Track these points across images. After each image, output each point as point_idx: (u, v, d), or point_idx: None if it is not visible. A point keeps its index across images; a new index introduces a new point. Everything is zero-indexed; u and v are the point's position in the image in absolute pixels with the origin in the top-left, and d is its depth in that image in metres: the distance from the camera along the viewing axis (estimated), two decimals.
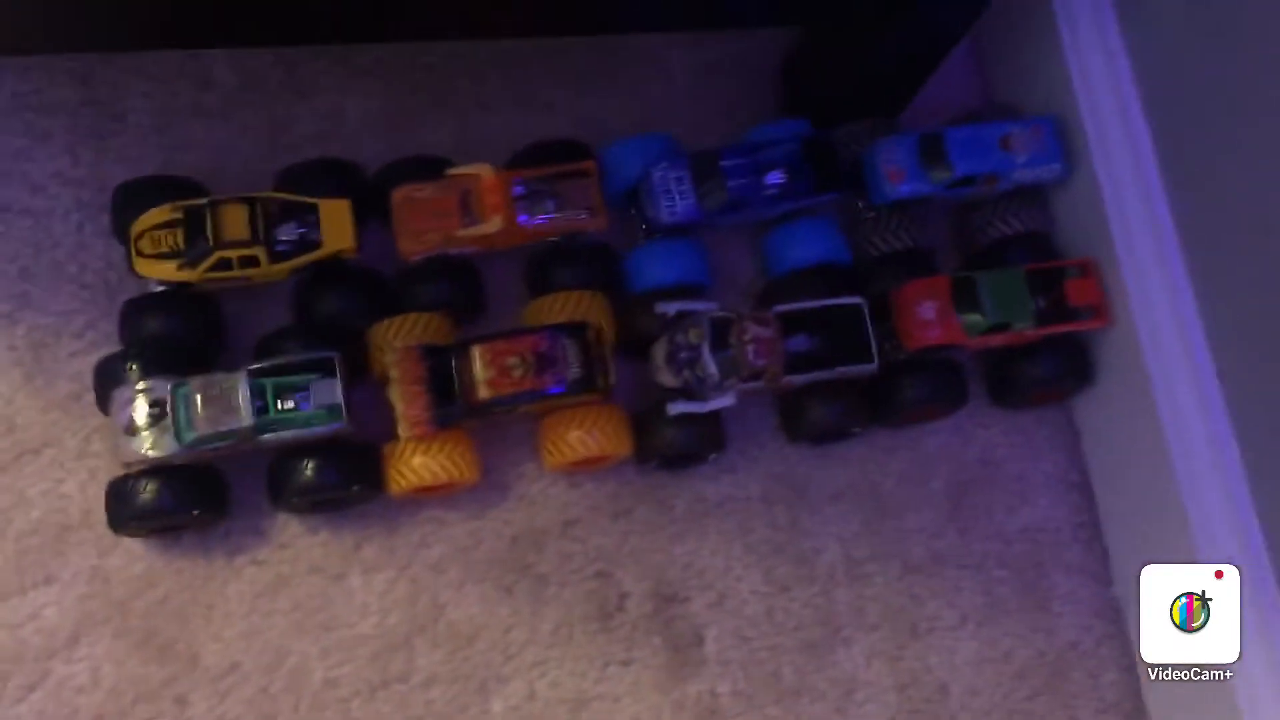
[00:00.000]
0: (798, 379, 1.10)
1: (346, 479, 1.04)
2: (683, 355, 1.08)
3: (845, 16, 1.13)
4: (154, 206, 1.04)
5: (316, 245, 1.05)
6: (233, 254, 1.02)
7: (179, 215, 1.02)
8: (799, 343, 1.10)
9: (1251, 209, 1.03)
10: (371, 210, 1.12)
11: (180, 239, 1.02)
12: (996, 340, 1.15)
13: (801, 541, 1.16)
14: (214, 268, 1.02)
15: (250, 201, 1.03)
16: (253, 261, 1.03)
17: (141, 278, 1.05)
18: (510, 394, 1.04)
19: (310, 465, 1.02)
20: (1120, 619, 1.18)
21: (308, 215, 1.05)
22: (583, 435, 1.08)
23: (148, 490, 1.00)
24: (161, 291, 1.05)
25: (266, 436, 1.00)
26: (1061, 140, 1.17)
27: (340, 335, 1.07)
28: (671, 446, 1.11)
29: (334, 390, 1.01)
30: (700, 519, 1.16)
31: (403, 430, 1.04)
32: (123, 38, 1.13)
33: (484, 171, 1.08)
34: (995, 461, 1.21)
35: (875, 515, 1.18)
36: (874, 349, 1.11)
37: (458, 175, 1.09)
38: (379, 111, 1.20)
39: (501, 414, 1.07)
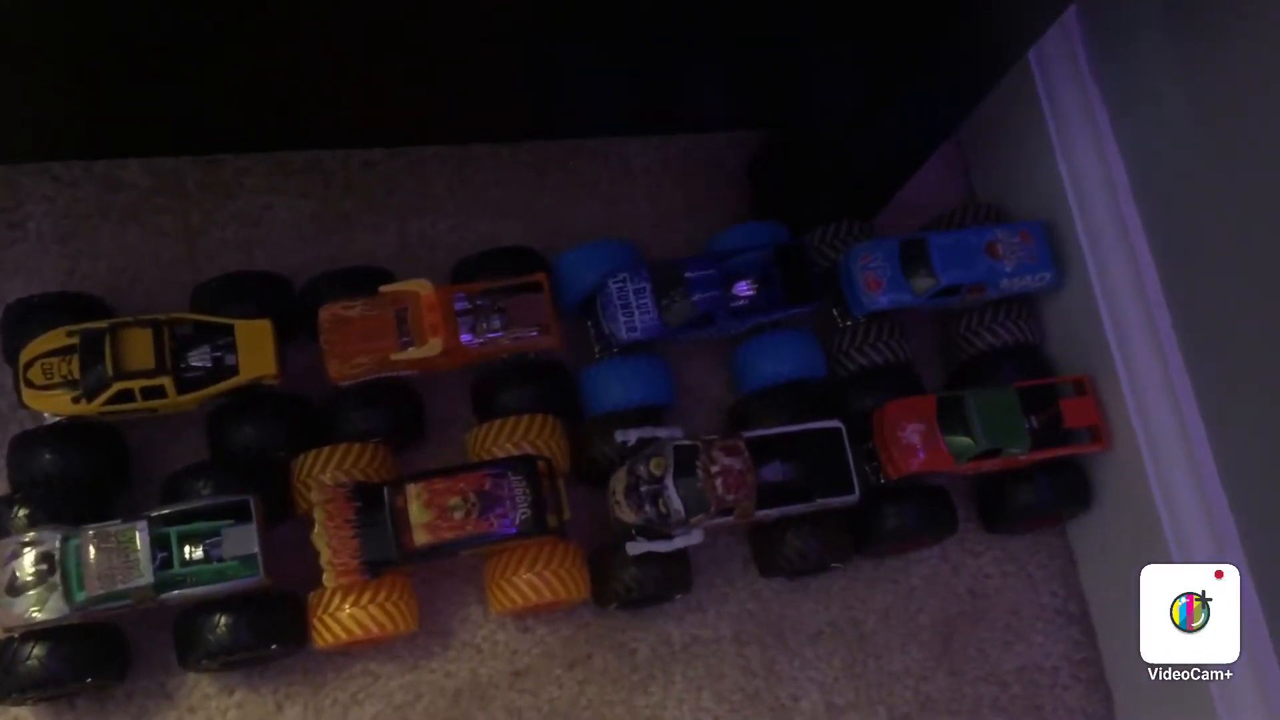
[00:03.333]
0: (770, 513, 1.00)
1: (263, 637, 0.92)
2: (644, 488, 0.97)
3: (820, 120, 1.04)
4: (49, 328, 0.92)
5: (232, 371, 0.93)
6: (135, 384, 0.90)
7: (74, 341, 0.91)
8: (773, 471, 1.00)
9: (1260, 317, 0.95)
10: (299, 326, 1.01)
11: (75, 367, 0.90)
12: (987, 466, 1.05)
13: (778, 688, 1.05)
14: (114, 400, 0.91)
15: (156, 325, 0.92)
16: (158, 392, 0.91)
17: (33, 410, 0.92)
18: (451, 539, 0.92)
19: (222, 622, 0.90)
20: None
21: (223, 338, 0.94)
22: (533, 579, 0.97)
23: (34, 656, 0.87)
24: (55, 425, 0.93)
25: (171, 594, 0.88)
26: (1052, 246, 1.08)
27: (259, 470, 0.95)
28: (632, 589, 1.00)
29: (249, 539, 0.89)
30: (665, 665, 1.04)
31: (328, 579, 0.92)
32: (19, 149, 1.03)
33: (423, 288, 0.98)
34: (986, 594, 1.11)
35: (858, 656, 1.07)
36: (854, 478, 1.01)
37: (393, 292, 0.98)
38: (310, 215, 1.09)
39: (442, 559, 0.95)
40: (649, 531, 0.98)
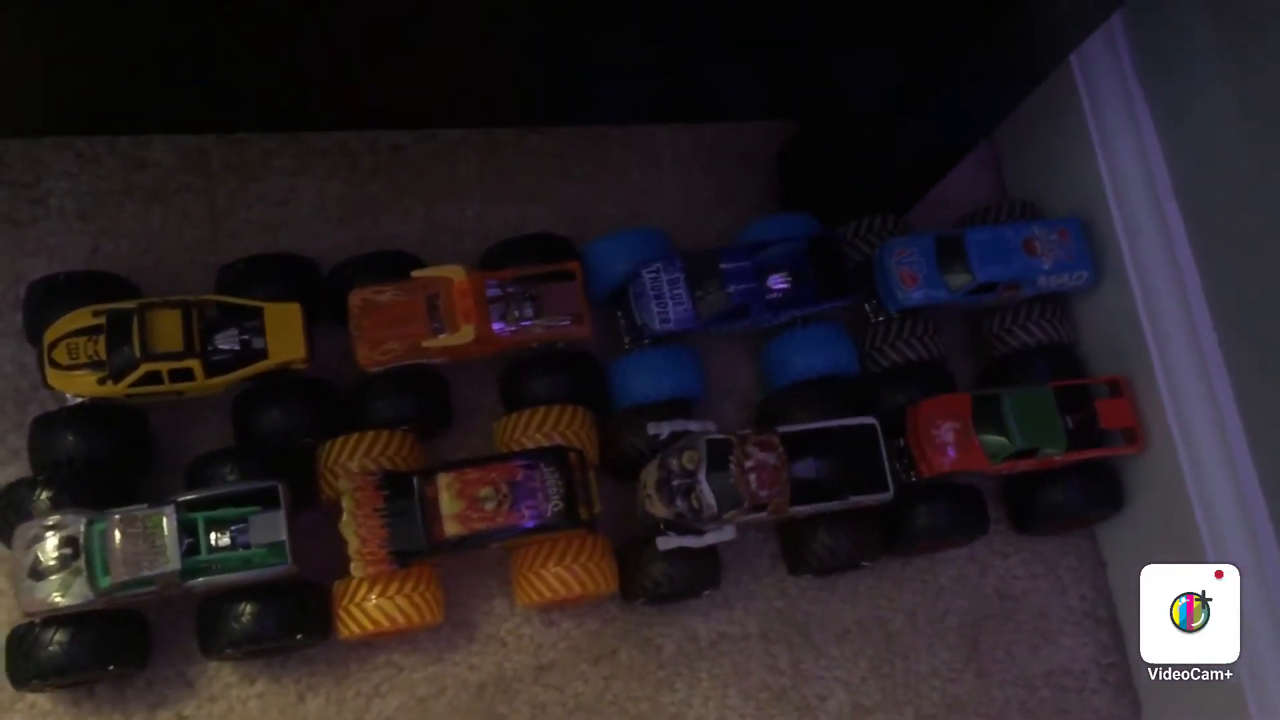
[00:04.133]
0: (804, 509, 0.98)
1: (288, 627, 0.90)
2: (676, 483, 0.95)
3: (859, 112, 1.02)
4: (72, 308, 0.90)
5: (261, 355, 0.92)
6: (163, 366, 0.88)
7: (101, 320, 0.89)
8: (805, 468, 0.98)
9: None
10: (325, 310, 0.99)
11: (101, 348, 0.88)
12: (1021, 467, 1.03)
13: (804, 687, 1.04)
14: (140, 382, 0.89)
15: (185, 306, 0.90)
16: (186, 375, 0.89)
17: (56, 391, 0.90)
18: (481, 530, 0.91)
19: (247, 611, 0.88)
20: None
21: (251, 321, 0.92)
22: (561, 571, 0.95)
23: (55, 642, 0.85)
24: (78, 406, 0.91)
25: (197, 581, 0.86)
26: (1090, 244, 1.07)
27: (285, 457, 0.93)
28: (661, 584, 0.98)
29: (277, 525, 0.88)
30: (691, 661, 1.03)
31: (356, 569, 0.90)
32: (40, 122, 1.00)
33: (455, 274, 0.96)
34: (1015, 595, 1.10)
35: (885, 656, 1.06)
36: (889, 476, 0.99)
37: (425, 278, 0.96)
38: (337, 198, 1.07)
39: (470, 550, 0.94)
40: (680, 526, 0.97)
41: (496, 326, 0.97)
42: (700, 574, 0.99)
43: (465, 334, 0.95)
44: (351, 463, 0.93)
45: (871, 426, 1.00)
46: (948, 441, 1.01)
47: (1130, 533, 1.09)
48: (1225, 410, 0.99)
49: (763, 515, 0.97)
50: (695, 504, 0.94)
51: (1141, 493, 1.07)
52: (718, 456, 0.95)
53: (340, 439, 0.94)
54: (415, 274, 0.96)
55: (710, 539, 0.96)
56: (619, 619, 1.02)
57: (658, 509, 0.96)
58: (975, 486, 1.05)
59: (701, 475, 0.94)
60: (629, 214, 1.11)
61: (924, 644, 1.07)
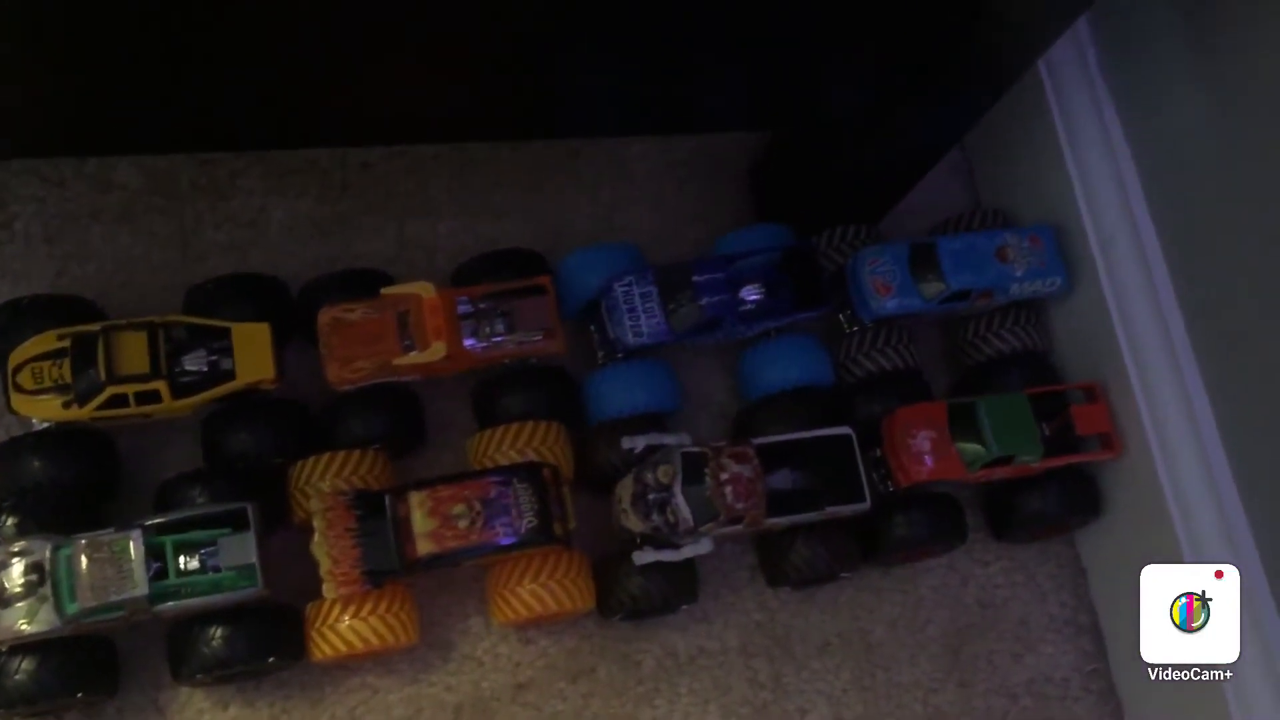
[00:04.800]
0: (781, 521, 0.97)
1: (260, 650, 0.89)
2: (651, 497, 0.95)
3: (830, 122, 1.02)
4: (37, 332, 0.89)
5: (229, 376, 0.91)
6: (129, 389, 0.87)
7: (65, 344, 0.88)
8: (781, 479, 0.98)
9: (1276, 320, 0.93)
10: (295, 330, 0.98)
11: (67, 371, 0.87)
12: (998, 474, 1.03)
13: (785, 701, 1.03)
14: (106, 405, 0.88)
15: (150, 327, 0.89)
16: (153, 397, 0.88)
17: (21, 416, 0.89)
18: (455, 548, 0.90)
19: (218, 634, 0.87)
20: None
21: (219, 341, 0.91)
22: (538, 589, 0.94)
23: (22, 670, 0.84)
24: (44, 431, 0.90)
25: (166, 606, 0.85)
26: (1062, 251, 1.07)
27: (256, 478, 0.92)
28: (639, 599, 0.97)
29: (247, 548, 0.87)
30: (671, 677, 1.02)
31: (328, 590, 0.89)
32: (4, 145, 1.00)
33: (425, 291, 0.95)
34: (995, 604, 1.09)
35: (866, 668, 1.05)
36: (866, 486, 0.99)
37: (395, 295, 0.96)
38: (307, 216, 1.06)
39: (444, 569, 0.93)
40: (656, 540, 0.96)
41: (468, 343, 0.96)
42: (678, 588, 0.99)
43: (436, 351, 0.94)
44: (323, 483, 0.93)
45: (847, 437, 1.00)
46: (924, 450, 1.01)
47: (1109, 538, 1.08)
48: (1200, 413, 0.99)
49: (739, 528, 0.96)
50: (671, 518, 0.94)
51: (1119, 498, 1.06)
52: (693, 469, 0.94)
53: (311, 459, 0.93)
54: (385, 291, 0.95)
55: (687, 552, 0.96)
56: (596, 635, 1.01)
57: (633, 523, 0.96)
58: (952, 495, 1.05)
59: (677, 488, 0.93)
60: (602, 229, 1.11)
61: (905, 655, 1.06)
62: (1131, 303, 1.03)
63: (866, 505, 0.99)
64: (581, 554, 0.98)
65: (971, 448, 1.01)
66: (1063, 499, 1.06)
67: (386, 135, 1.09)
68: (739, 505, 0.94)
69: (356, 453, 0.94)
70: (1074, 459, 1.04)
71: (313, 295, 0.98)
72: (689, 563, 0.98)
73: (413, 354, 0.94)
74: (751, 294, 1.02)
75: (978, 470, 1.01)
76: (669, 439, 0.97)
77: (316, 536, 0.89)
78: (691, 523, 0.93)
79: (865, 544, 1.03)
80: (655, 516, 0.94)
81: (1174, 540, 0.99)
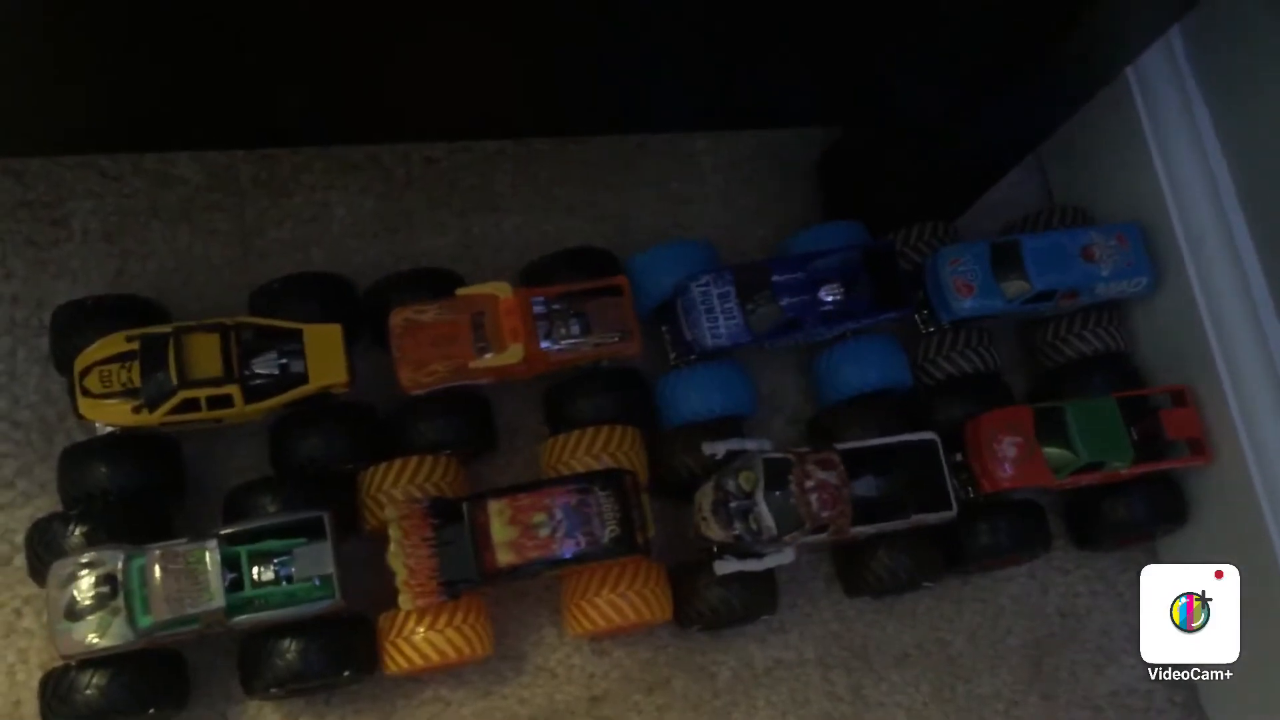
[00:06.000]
0: (866, 530, 0.94)
1: (336, 663, 0.86)
2: (733, 504, 0.92)
3: (913, 119, 0.99)
4: (101, 333, 0.86)
5: (301, 379, 0.88)
6: (201, 394, 0.84)
7: (134, 346, 0.85)
8: (865, 486, 0.95)
9: None
10: (363, 330, 0.95)
11: (135, 375, 0.84)
12: (1085, 480, 1.00)
13: (866, 714, 1.00)
14: (177, 409, 0.85)
15: (223, 329, 0.86)
16: (225, 401, 0.85)
17: (87, 421, 0.86)
18: (535, 558, 0.87)
19: (292, 648, 0.84)
20: None
21: (289, 344, 0.88)
22: (616, 599, 0.91)
23: (92, 685, 0.81)
24: (109, 436, 0.87)
25: (241, 618, 0.82)
26: (1149, 250, 1.03)
27: (327, 483, 0.89)
28: (719, 610, 0.94)
29: (324, 557, 0.84)
30: (748, 689, 0.99)
31: (405, 601, 0.86)
32: (61, 140, 0.97)
33: (501, 291, 0.92)
34: (1076, 613, 1.06)
35: (947, 680, 1.02)
36: (952, 493, 0.95)
37: (469, 295, 0.93)
38: (370, 213, 1.03)
39: (522, 580, 0.90)
40: (737, 549, 0.93)
41: (544, 345, 0.93)
42: (758, 599, 0.96)
43: (514, 353, 0.91)
44: (395, 490, 0.89)
45: (932, 442, 0.97)
46: (1010, 456, 0.98)
47: (1194, 546, 1.05)
48: None
49: (823, 537, 0.93)
50: (754, 526, 0.91)
51: (1206, 505, 1.03)
52: (776, 476, 0.91)
53: (383, 465, 0.90)
54: (460, 292, 0.92)
55: (769, 562, 0.93)
56: (672, 646, 0.99)
57: (714, 532, 0.92)
58: (1036, 502, 1.02)
59: (760, 496, 0.90)
60: (669, 225, 1.08)
61: (986, 666, 1.03)
62: (1223, 303, 1.00)
63: (954, 514, 0.96)
64: (658, 564, 0.95)
65: (1058, 453, 0.98)
66: (1149, 506, 1.03)
67: (450, 131, 1.06)
68: (824, 514, 0.91)
69: (430, 458, 0.91)
70: (1164, 465, 1.01)
71: (380, 295, 0.95)
72: (769, 573, 0.95)
73: (489, 356, 0.91)
74: (831, 294, 0.99)
75: (1065, 477, 0.98)
76: (750, 444, 0.94)
77: (392, 546, 0.87)
78: (775, 531, 0.90)
79: (947, 552, 1.00)
80: (737, 525, 0.91)
81: (1269, 547, 0.96)
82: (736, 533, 0.91)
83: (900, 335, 1.05)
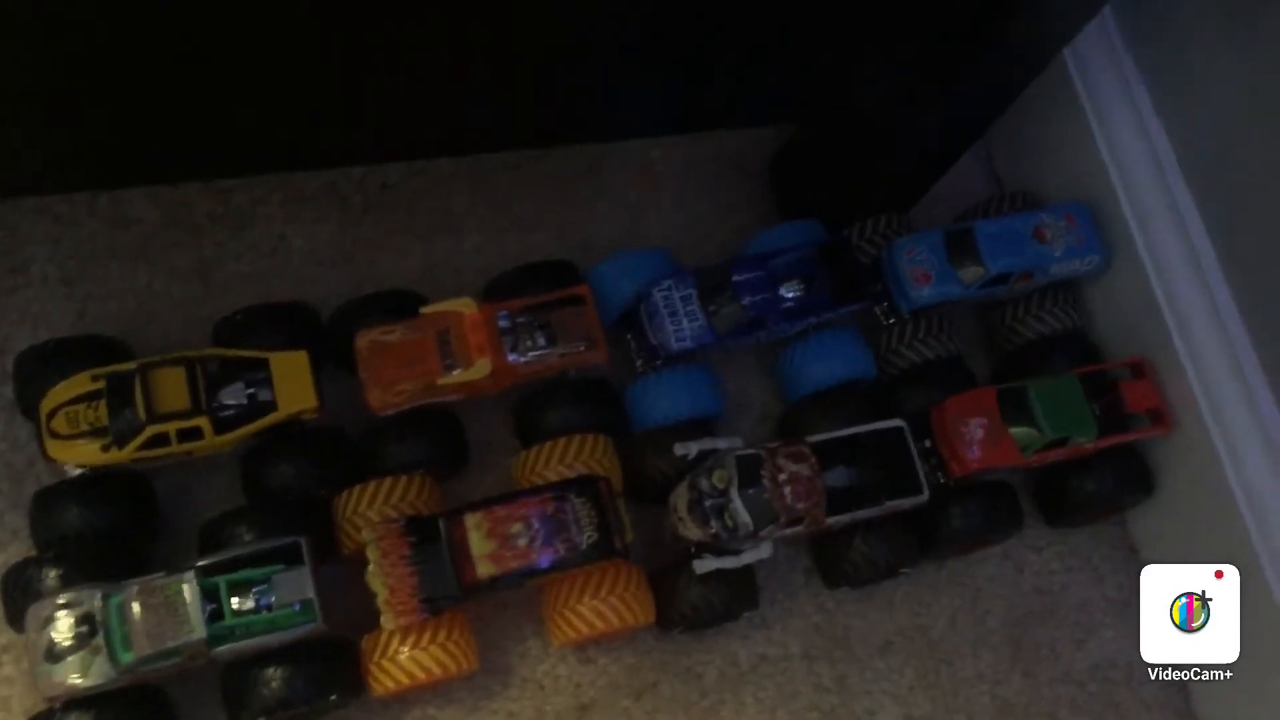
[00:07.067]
0: (841, 519, 0.95)
1: (322, 688, 0.86)
2: (708, 503, 0.92)
3: (864, 113, 1.00)
4: (65, 375, 0.86)
5: (270, 408, 0.88)
6: (170, 427, 0.84)
7: (100, 385, 0.85)
8: (837, 476, 0.96)
9: None
10: (329, 356, 0.95)
11: (103, 413, 0.84)
12: (1052, 457, 1.01)
13: (853, 703, 1.01)
14: (147, 445, 0.85)
15: (188, 362, 0.86)
16: (195, 434, 0.85)
17: (57, 463, 0.86)
18: (516, 569, 0.87)
19: (276, 675, 0.84)
20: None
21: (256, 373, 0.88)
22: (599, 605, 0.92)
23: None
24: (79, 477, 0.86)
25: (223, 649, 0.82)
26: (1098, 228, 1.05)
27: (301, 509, 0.89)
28: (701, 609, 0.95)
29: (303, 582, 0.84)
30: (735, 687, 0.99)
31: (387, 621, 0.86)
32: (12, 183, 0.97)
33: (466, 307, 0.93)
34: (1053, 590, 1.08)
35: (930, 664, 1.03)
36: (922, 477, 0.97)
37: (434, 313, 0.93)
38: (329, 241, 1.04)
39: (503, 591, 0.90)
40: (715, 548, 0.94)
41: (511, 358, 0.94)
42: (738, 596, 0.96)
43: (481, 368, 0.92)
44: (371, 512, 0.90)
45: (900, 429, 0.98)
46: (976, 439, 0.99)
47: (1160, 516, 1.07)
48: (1253, 381, 0.98)
49: (799, 529, 0.94)
50: (730, 523, 0.92)
51: (1173, 475, 1.05)
52: (749, 472, 0.92)
53: (357, 488, 0.91)
54: (425, 310, 0.93)
55: (748, 558, 0.93)
56: (656, 650, 0.99)
57: (691, 531, 0.93)
58: (1006, 482, 1.03)
59: (734, 493, 0.91)
60: (628, 234, 1.09)
61: (968, 648, 1.04)
62: (1174, 275, 1.01)
63: (925, 497, 0.97)
64: (638, 568, 0.95)
65: (1024, 432, 1.00)
66: (1116, 479, 1.04)
67: (403, 151, 1.06)
68: (799, 505, 0.92)
69: (404, 478, 0.91)
70: (1128, 437, 1.02)
71: (344, 319, 0.95)
72: (748, 569, 0.96)
73: (456, 373, 0.92)
74: (791, 291, 1.00)
75: (1032, 455, 1.00)
76: (722, 443, 0.95)
77: (371, 567, 0.87)
78: (751, 527, 0.91)
79: (921, 538, 1.01)
80: (713, 523, 0.92)
81: (1234, 511, 0.97)
82: (713, 531, 0.92)
83: (863, 328, 1.06)
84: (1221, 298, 0.99)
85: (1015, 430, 1.00)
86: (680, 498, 0.94)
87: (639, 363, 1.02)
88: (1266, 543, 0.96)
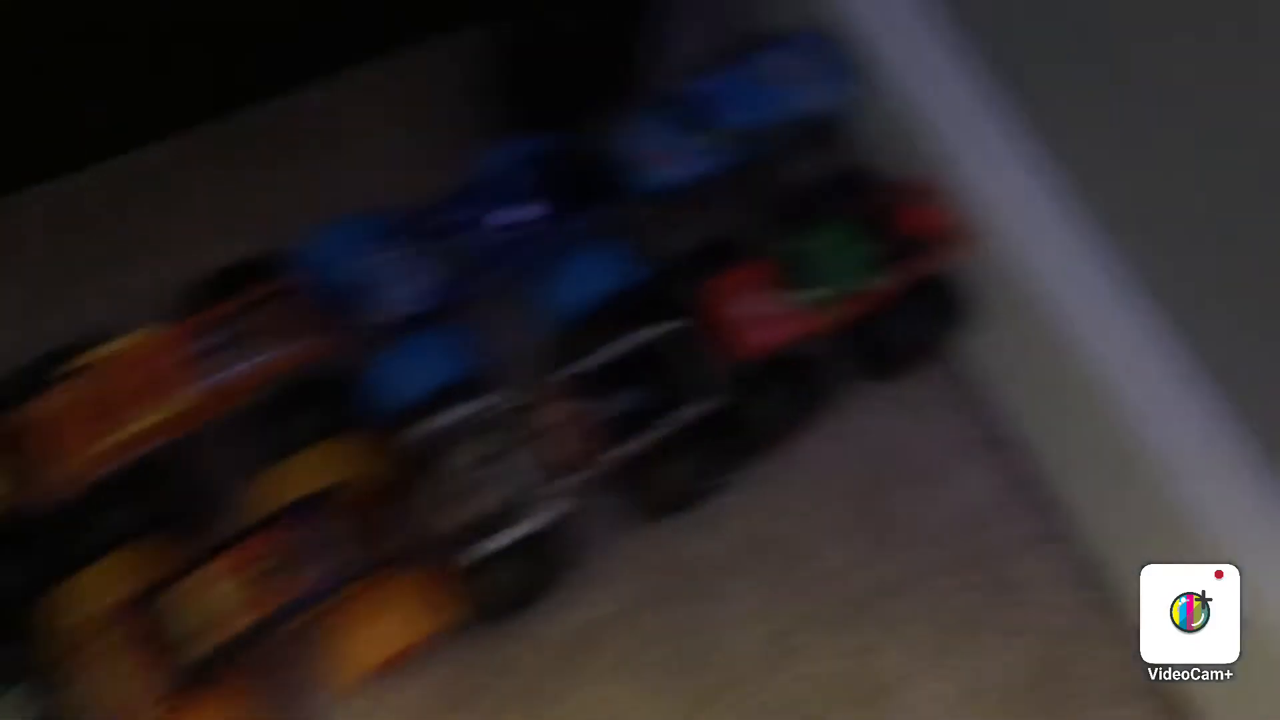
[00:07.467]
0: (636, 446, 0.85)
1: None
2: (473, 476, 0.81)
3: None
4: None
5: None
6: None
7: None
8: (626, 400, 0.85)
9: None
10: None
11: None
12: (853, 311, 0.91)
13: (721, 636, 0.90)
14: None
15: None
16: None
17: None
18: (281, 605, 0.75)
19: None
20: (1103, 580, 0.96)
21: None
22: (384, 627, 0.80)
23: None
24: None
25: None
26: (834, 55, 0.95)
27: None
28: (500, 595, 0.84)
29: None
30: (572, 661, 0.89)
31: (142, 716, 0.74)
32: None
33: (146, 338, 0.80)
34: (890, 449, 0.98)
35: (789, 567, 0.93)
36: (715, 376, 0.86)
37: (112, 355, 0.80)
38: None
39: (268, 638, 0.78)
40: (493, 525, 0.82)
41: (219, 376, 0.81)
42: (538, 568, 0.86)
43: (179, 401, 0.79)
44: (94, 603, 0.76)
45: (681, 330, 0.87)
46: (760, 314, 0.89)
47: (988, 340, 0.98)
48: (1043, 170, 0.88)
49: (590, 472, 0.83)
50: (503, 493, 0.81)
51: (985, 297, 0.96)
52: (508, 432, 0.81)
53: (69, 581, 0.77)
54: (87, 359, 0.80)
55: (532, 524, 0.82)
56: (468, 652, 0.87)
57: (462, 514, 0.82)
58: (805, 356, 0.93)
59: (500, 459, 0.80)
60: (332, 202, 0.95)
61: (824, 540, 0.95)
62: (931, 82, 0.91)
63: (724, 397, 0.86)
64: (419, 569, 0.83)
65: (812, 294, 0.90)
66: (924, 315, 0.95)
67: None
68: (571, 448, 0.81)
69: (129, 551, 0.78)
70: (926, 266, 0.92)
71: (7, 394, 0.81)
72: (540, 534, 0.84)
73: (152, 414, 0.79)
74: (517, 214, 0.89)
75: (828, 314, 0.90)
76: (472, 407, 0.83)
77: (95, 665, 0.74)
78: (526, 489, 0.81)
79: (735, 444, 0.91)
80: (486, 498, 0.81)
81: (1054, 312, 0.88)
82: (487, 506, 0.81)
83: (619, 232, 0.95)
84: (993, 95, 0.90)
85: (804, 295, 0.90)
86: (442, 481, 0.82)
87: (373, 343, 0.90)
88: (1092, 349, 0.87)
